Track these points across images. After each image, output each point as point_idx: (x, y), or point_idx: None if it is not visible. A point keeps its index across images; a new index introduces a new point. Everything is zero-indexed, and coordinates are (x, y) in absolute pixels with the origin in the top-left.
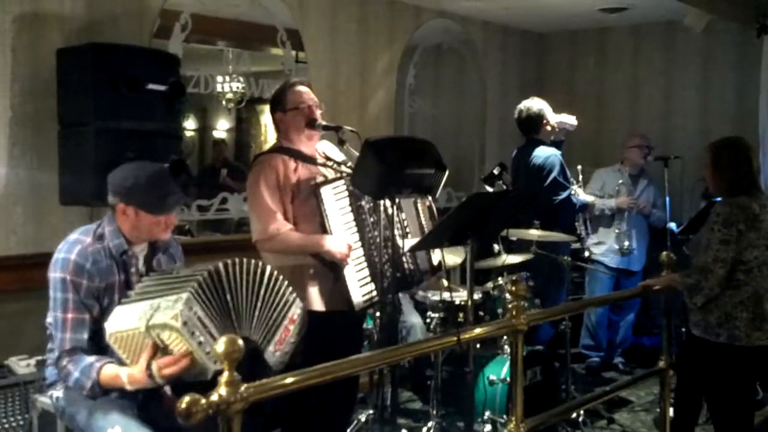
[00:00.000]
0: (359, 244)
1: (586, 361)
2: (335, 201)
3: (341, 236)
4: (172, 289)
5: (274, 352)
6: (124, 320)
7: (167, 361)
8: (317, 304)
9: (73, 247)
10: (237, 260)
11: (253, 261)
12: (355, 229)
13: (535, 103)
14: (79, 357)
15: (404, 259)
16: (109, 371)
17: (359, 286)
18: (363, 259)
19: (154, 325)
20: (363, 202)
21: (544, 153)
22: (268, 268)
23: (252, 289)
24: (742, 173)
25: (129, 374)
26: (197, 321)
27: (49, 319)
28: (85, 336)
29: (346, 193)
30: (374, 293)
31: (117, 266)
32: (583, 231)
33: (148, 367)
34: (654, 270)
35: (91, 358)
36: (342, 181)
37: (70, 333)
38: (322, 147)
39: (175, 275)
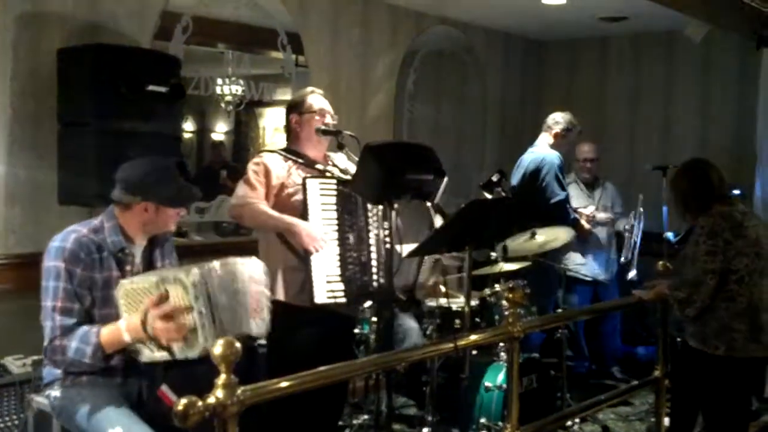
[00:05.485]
0: (336, 242)
1: (572, 371)
2: (319, 195)
3: (319, 228)
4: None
5: (256, 325)
6: (141, 277)
7: (165, 310)
8: (281, 295)
9: (68, 236)
10: (216, 264)
11: (228, 260)
12: (336, 227)
13: (560, 115)
14: (72, 332)
15: (374, 271)
16: (108, 329)
17: (325, 282)
18: (338, 258)
19: (165, 278)
20: (353, 207)
21: (541, 153)
22: (236, 259)
23: (232, 286)
24: (700, 191)
25: (127, 322)
26: (206, 291)
27: (42, 314)
28: (75, 321)
29: (335, 193)
30: (340, 294)
31: (112, 262)
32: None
33: (146, 315)
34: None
35: (85, 327)
36: (334, 182)
37: (59, 320)
38: (336, 157)
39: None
